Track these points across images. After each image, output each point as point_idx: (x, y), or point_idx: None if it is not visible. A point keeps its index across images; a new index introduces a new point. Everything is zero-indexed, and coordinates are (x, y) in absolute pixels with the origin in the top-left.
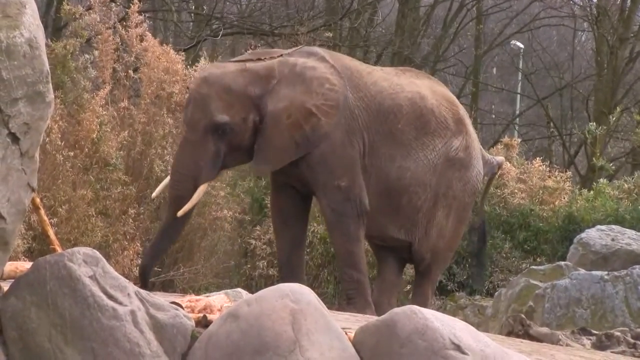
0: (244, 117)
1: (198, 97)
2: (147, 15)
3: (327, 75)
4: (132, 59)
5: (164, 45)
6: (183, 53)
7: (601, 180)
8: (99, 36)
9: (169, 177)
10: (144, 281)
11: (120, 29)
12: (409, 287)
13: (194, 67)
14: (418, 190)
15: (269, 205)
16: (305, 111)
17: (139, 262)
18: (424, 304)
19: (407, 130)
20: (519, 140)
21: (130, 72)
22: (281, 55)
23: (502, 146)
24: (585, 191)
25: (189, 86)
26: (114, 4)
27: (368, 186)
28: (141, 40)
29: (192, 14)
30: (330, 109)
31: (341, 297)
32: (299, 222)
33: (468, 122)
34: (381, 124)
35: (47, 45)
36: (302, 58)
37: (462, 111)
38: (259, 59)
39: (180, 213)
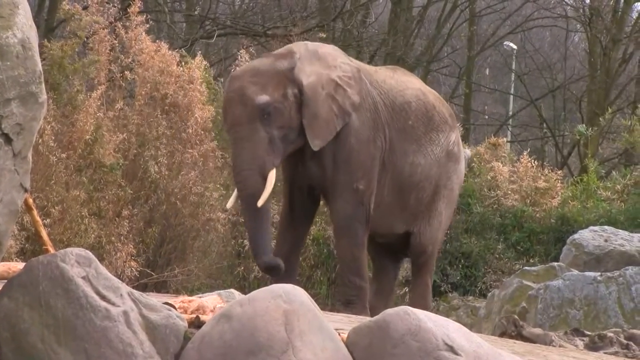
0: (282, 92)
1: (232, 94)
2: (146, 17)
3: (335, 52)
4: (130, 60)
5: (158, 42)
6: (177, 52)
7: (591, 169)
8: (95, 36)
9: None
10: (278, 268)
11: (120, 28)
12: (405, 289)
13: (187, 65)
14: (425, 185)
15: None
16: (333, 83)
17: (132, 263)
18: (425, 294)
19: (417, 126)
20: (505, 139)
21: (127, 73)
22: None
23: (488, 145)
24: (572, 184)
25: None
26: (110, 4)
27: (384, 183)
28: (140, 41)
29: (185, 16)
30: (350, 79)
31: (334, 298)
32: (305, 224)
33: None
34: (396, 120)
35: (42, 45)
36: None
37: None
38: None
39: (259, 203)
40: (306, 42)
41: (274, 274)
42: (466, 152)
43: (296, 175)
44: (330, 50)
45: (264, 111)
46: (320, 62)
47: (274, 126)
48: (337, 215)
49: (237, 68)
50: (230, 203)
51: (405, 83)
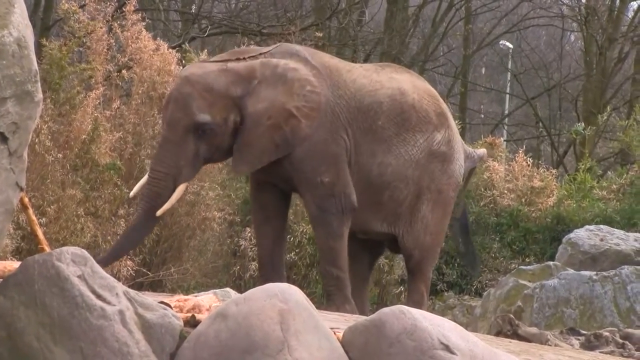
0: (225, 117)
1: (179, 96)
2: (142, 14)
3: (309, 77)
4: (126, 59)
5: (158, 40)
6: (177, 52)
7: (583, 167)
8: (92, 34)
9: (146, 176)
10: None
11: (116, 27)
12: (401, 288)
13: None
14: (400, 185)
15: None
16: (285, 112)
17: (128, 262)
18: (420, 302)
19: (388, 127)
20: (502, 139)
21: (124, 72)
22: (261, 54)
23: (484, 144)
24: (567, 182)
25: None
26: (107, 3)
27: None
28: (137, 39)
29: (180, 13)
30: (311, 111)
31: (324, 295)
32: (280, 218)
33: (450, 115)
34: (362, 121)
35: (40, 44)
36: (284, 59)
37: (444, 105)
38: (239, 59)
39: (159, 213)
40: (280, 61)
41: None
42: (477, 151)
43: (259, 174)
44: (301, 76)
45: (200, 129)
46: (284, 86)
47: (203, 143)
48: (309, 209)
49: (194, 65)
50: (134, 191)
51: (380, 82)
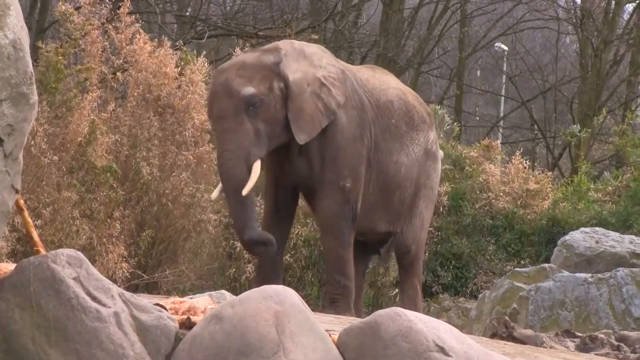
0: (268, 86)
1: (218, 87)
2: (136, 17)
3: (322, 52)
4: (121, 61)
5: (159, 40)
6: (176, 51)
7: (581, 170)
8: (87, 36)
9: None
10: (268, 242)
11: (111, 30)
12: (396, 290)
13: (188, 66)
14: (406, 185)
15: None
16: (318, 81)
17: (124, 264)
18: (415, 296)
19: (400, 125)
20: (498, 141)
21: (119, 74)
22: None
23: (481, 146)
24: (563, 185)
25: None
26: (101, 5)
27: (370, 181)
28: (131, 42)
29: (176, 17)
30: (335, 80)
31: (325, 299)
32: (289, 223)
33: None
34: (381, 118)
35: (37, 47)
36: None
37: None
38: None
39: (244, 192)
40: (292, 40)
41: (261, 250)
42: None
43: (282, 175)
44: (316, 50)
45: (249, 103)
46: (306, 60)
47: (259, 119)
48: (323, 213)
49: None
50: (215, 194)
51: (386, 82)
